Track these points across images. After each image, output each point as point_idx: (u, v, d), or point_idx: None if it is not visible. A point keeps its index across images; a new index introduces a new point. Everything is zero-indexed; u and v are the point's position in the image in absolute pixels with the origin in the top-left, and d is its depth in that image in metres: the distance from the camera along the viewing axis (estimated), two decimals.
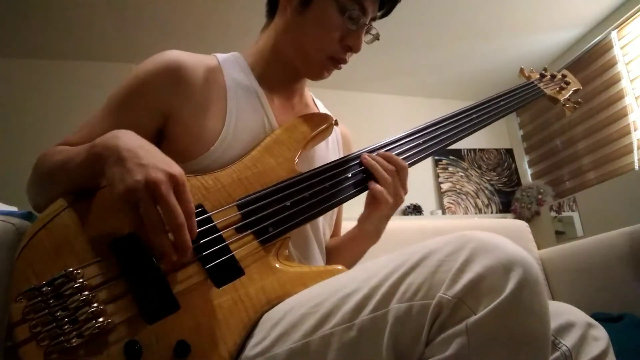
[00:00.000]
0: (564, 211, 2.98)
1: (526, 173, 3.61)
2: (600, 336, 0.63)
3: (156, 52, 0.77)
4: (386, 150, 0.82)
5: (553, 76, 1.14)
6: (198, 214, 0.61)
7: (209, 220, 0.65)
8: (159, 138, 0.76)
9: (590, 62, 3.00)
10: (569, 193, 3.03)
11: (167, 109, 0.74)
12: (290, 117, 0.83)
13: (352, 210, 1.07)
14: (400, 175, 0.78)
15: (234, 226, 0.66)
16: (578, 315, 0.65)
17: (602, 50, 2.92)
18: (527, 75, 1.15)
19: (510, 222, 1.95)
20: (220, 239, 0.64)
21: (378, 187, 0.77)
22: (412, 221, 2.69)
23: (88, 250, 0.58)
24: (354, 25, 0.78)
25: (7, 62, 2.73)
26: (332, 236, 0.96)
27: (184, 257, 0.57)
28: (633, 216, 2.21)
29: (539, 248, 1.81)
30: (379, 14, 0.82)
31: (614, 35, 2.84)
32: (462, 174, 3.53)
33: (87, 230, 0.60)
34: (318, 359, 0.50)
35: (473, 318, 0.42)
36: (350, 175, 0.78)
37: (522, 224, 1.85)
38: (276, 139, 0.78)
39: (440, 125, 0.90)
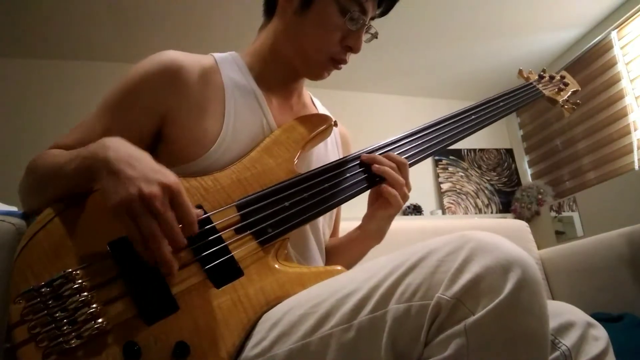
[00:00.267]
0: (564, 211, 2.98)
1: (526, 173, 3.60)
2: (600, 336, 0.63)
3: (156, 52, 0.76)
4: (386, 151, 0.82)
5: (552, 77, 1.14)
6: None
7: (208, 221, 0.65)
8: (156, 140, 0.75)
9: (590, 62, 3.00)
10: (569, 193, 3.03)
11: (164, 110, 0.73)
12: (289, 117, 0.83)
13: (352, 211, 1.07)
14: (403, 173, 0.79)
15: (233, 227, 0.66)
16: (578, 315, 0.65)
17: (602, 50, 2.92)
18: (525, 76, 1.15)
19: (510, 222, 1.95)
20: (220, 240, 0.63)
21: (392, 190, 0.77)
22: (412, 221, 2.69)
23: (87, 251, 0.58)
24: (355, 25, 0.77)
25: (7, 62, 2.73)
26: (330, 237, 0.96)
27: (172, 266, 0.56)
28: (633, 216, 2.21)
29: (539, 248, 1.81)
30: (377, 12, 0.82)
31: (614, 35, 2.84)
32: (462, 174, 3.53)
33: (85, 231, 0.60)
34: (317, 359, 0.50)
35: (472, 318, 0.42)
36: (349, 176, 0.77)
37: (522, 224, 1.85)
38: (275, 140, 0.78)
39: (440, 126, 0.90)
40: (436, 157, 3.48)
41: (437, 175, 3.46)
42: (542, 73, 1.14)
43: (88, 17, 2.52)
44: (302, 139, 0.79)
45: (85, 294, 0.55)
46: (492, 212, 3.46)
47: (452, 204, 3.40)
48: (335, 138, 0.94)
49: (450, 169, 3.51)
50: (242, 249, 0.64)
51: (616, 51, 2.82)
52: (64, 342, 0.52)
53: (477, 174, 3.56)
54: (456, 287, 0.44)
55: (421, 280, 0.46)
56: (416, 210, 3.19)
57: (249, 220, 0.67)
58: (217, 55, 0.83)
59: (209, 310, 0.58)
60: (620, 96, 2.78)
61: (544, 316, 0.44)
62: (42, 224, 0.60)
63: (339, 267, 0.68)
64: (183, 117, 0.73)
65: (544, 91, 1.09)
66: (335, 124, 0.86)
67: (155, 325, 0.55)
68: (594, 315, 0.84)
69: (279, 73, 0.84)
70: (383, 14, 0.83)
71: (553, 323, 0.62)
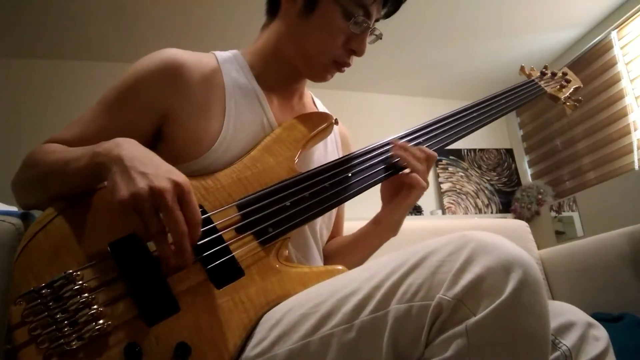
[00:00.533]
0: (564, 211, 2.98)
1: (526, 173, 3.61)
2: (600, 336, 0.63)
3: (153, 52, 0.76)
4: (386, 150, 0.82)
5: (554, 74, 1.14)
6: None
7: (208, 221, 0.64)
8: (156, 138, 0.75)
9: (590, 62, 3.00)
10: (569, 193, 3.03)
11: (164, 109, 0.73)
12: (290, 117, 0.83)
13: (356, 211, 1.07)
14: (428, 163, 0.80)
15: (234, 227, 0.66)
16: (578, 315, 0.65)
17: (602, 50, 2.92)
18: (527, 73, 1.14)
19: (510, 222, 1.95)
20: (221, 240, 0.63)
21: (414, 175, 0.78)
22: (412, 221, 2.67)
23: (87, 252, 0.58)
24: (359, 29, 0.77)
25: (7, 62, 2.73)
26: (333, 236, 0.95)
27: (183, 263, 0.57)
28: (633, 216, 2.21)
29: (539, 248, 1.81)
30: (382, 13, 0.81)
31: (614, 35, 2.84)
32: (462, 174, 3.53)
33: (86, 232, 0.60)
34: (318, 359, 0.50)
35: (473, 319, 0.42)
36: (350, 175, 0.77)
37: (522, 224, 1.85)
38: (276, 139, 0.78)
39: (441, 124, 0.89)
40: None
41: (437, 175, 3.46)
42: (544, 70, 1.14)
43: (88, 17, 2.52)
44: (303, 137, 0.79)
45: (86, 295, 0.54)
46: (492, 212, 3.46)
47: (452, 204, 3.40)
48: (335, 137, 0.94)
49: (450, 169, 3.51)
50: (243, 249, 0.64)
51: (616, 51, 2.82)
52: (64, 343, 0.52)
53: (477, 174, 3.56)
54: (457, 287, 0.44)
55: (422, 281, 0.46)
56: (416, 210, 3.19)
57: (250, 220, 0.67)
58: (218, 53, 0.83)
59: (210, 310, 0.58)
60: (620, 96, 2.78)
61: (545, 316, 0.44)
62: (42, 224, 0.59)
63: (339, 267, 0.68)
64: (183, 116, 0.73)
65: (545, 88, 1.08)
66: (336, 122, 0.86)
67: (157, 326, 0.55)
68: (594, 315, 0.84)
69: (280, 73, 0.84)
70: (388, 15, 0.82)
71: (553, 323, 0.62)
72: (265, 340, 0.55)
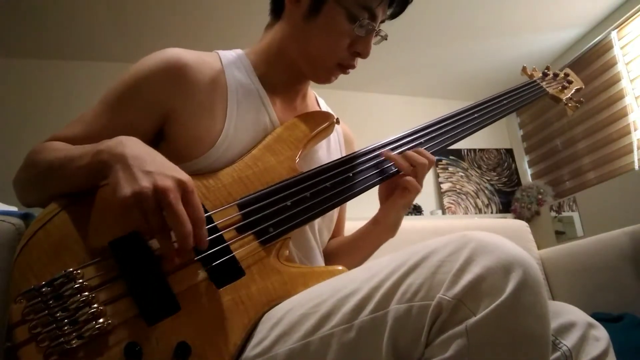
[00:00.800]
0: (564, 211, 2.98)
1: (526, 173, 3.61)
2: (600, 336, 0.63)
3: (156, 51, 0.76)
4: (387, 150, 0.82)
5: (555, 75, 1.13)
6: None
7: (209, 220, 0.64)
8: (158, 138, 0.75)
9: (590, 62, 3.00)
10: (569, 193, 3.03)
11: (167, 109, 0.73)
12: (292, 117, 0.83)
13: (356, 211, 1.07)
14: (427, 166, 0.80)
15: (235, 226, 0.66)
16: (579, 315, 0.65)
17: (602, 50, 2.92)
18: (529, 73, 1.13)
19: (510, 222, 1.95)
20: (221, 239, 0.63)
21: (409, 177, 0.79)
22: (412, 221, 2.68)
23: (87, 251, 0.58)
24: (364, 32, 0.76)
25: (7, 62, 2.73)
26: (334, 235, 0.95)
27: (185, 259, 0.57)
28: (633, 216, 2.21)
29: (539, 248, 1.81)
30: (388, 14, 0.80)
31: (614, 35, 2.84)
32: (462, 174, 3.53)
33: (86, 230, 0.60)
34: (318, 359, 0.50)
35: (473, 319, 0.42)
36: (351, 175, 0.77)
37: (522, 224, 1.85)
38: (277, 137, 0.77)
39: (442, 124, 0.89)
40: (436, 157, 3.47)
41: (437, 175, 3.46)
42: (546, 70, 1.13)
43: (88, 17, 2.52)
44: (304, 136, 0.78)
45: (86, 293, 0.54)
46: (492, 212, 3.46)
47: (452, 204, 3.40)
48: (338, 137, 0.94)
49: (450, 169, 3.51)
50: (244, 249, 0.64)
51: (616, 51, 2.82)
52: (65, 342, 0.52)
53: (477, 174, 3.56)
54: (457, 287, 0.44)
55: (422, 281, 0.46)
56: (416, 210, 3.19)
57: (250, 220, 0.67)
58: (222, 53, 0.83)
59: (210, 310, 0.58)
60: (620, 96, 2.78)
61: (545, 317, 0.44)
62: (42, 222, 0.59)
63: (340, 267, 0.68)
64: (185, 116, 0.73)
65: (547, 89, 1.08)
66: (338, 121, 0.85)
67: (157, 325, 0.55)
68: (594, 315, 0.84)
69: (284, 74, 0.83)
70: (393, 16, 0.82)
71: (554, 323, 0.62)
72: (265, 340, 0.55)
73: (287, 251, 0.69)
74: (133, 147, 0.59)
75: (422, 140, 0.85)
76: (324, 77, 0.82)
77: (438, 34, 2.92)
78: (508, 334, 0.42)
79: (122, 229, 0.59)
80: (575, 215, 2.88)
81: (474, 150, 3.62)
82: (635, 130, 2.69)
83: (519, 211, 3.30)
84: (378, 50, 0.81)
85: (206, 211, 0.65)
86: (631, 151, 2.70)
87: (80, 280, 0.55)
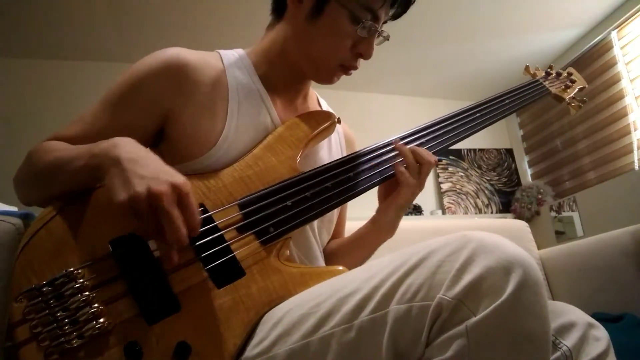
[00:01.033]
0: (564, 211, 2.98)
1: (526, 173, 3.60)
2: (600, 336, 0.63)
3: (157, 51, 0.76)
4: (388, 150, 0.82)
5: (559, 74, 1.12)
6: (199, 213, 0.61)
7: (210, 220, 0.64)
8: (158, 138, 0.75)
9: (590, 62, 3.00)
10: (569, 193, 3.03)
11: (167, 109, 0.73)
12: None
13: (355, 211, 1.07)
14: (428, 167, 0.80)
15: (235, 226, 0.66)
16: (579, 315, 0.65)
17: (602, 50, 2.92)
18: (532, 72, 1.12)
19: (510, 222, 1.95)
20: (222, 239, 0.63)
21: (401, 167, 0.78)
22: (412, 221, 2.69)
23: (88, 250, 0.58)
24: (366, 33, 0.76)
25: (7, 62, 2.73)
26: (334, 236, 0.95)
27: (181, 259, 0.57)
28: (633, 216, 2.21)
29: (539, 248, 1.81)
30: (390, 14, 0.80)
31: (614, 35, 2.84)
32: (462, 174, 3.53)
33: (87, 230, 0.60)
34: (318, 359, 0.50)
35: (473, 319, 0.42)
36: (352, 175, 0.77)
37: (522, 224, 1.85)
38: (278, 137, 0.77)
39: (444, 124, 0.89)
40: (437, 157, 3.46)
41: (437, 175, 3.46)
42: (549, 70, 1.12)
43: (88, 17, 2.52)
44: (305, 136, 0.78)
45: (87, 293, 0.55)
46: (492, 212, 3.46)
47: (452, 204, 3.40)
48: (339, 137, 0.94)
49: (450, 169, 3.51)
50: (244, 249, 0.64)
51: (616, 51, 2.82)
52: (65, 341, 0.52)
53: (477, 174, 3.56)
54: (457, 287, 0.44)
55: (422, 281, 0.46)
56: (416, 210, 3.19)
57: (251, 220, 0.67)
58: (223, 52, 0.82)
59: (210, 310, 0.58)
60: (620, 96, 2.78)
61: (545, 317, 0.44)
62: (43, 221, 0.60)
63: (340, 267, 0.68)
64: (186, 116, 0.73)
65: (550, 88, 1.07)
66: (339, 121, 0.85)
67: (157, 325, 0.55)
68: (594, 315, 0.84)
69: (285, 74, 0.83)
70: (396, 17, 0.82)
71: (554, 323, 0.62)
72: (265, 340, 0.55)
73: (288, 251, 0.69)
74: (128, 149, 0.58)
75: (423, 140, 0.85)
76: (326, 77, 0.82)
77: (438, 34, 2.92)
78: (508, 334, 0.42)
79: (123, 228, 0.59)
80: (575, 215, 2.88)
81: (474, 150, 3.62)
82: (635, 130, 2.69)
83: (519, 211, 3.30)
84: (378, 51, 0.81)
85: (207, 211, 0.65)
86: (631, 151, 2.70)
87: (81, 280, 0.55)
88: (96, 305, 0.54)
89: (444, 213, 3.31)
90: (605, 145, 2.87)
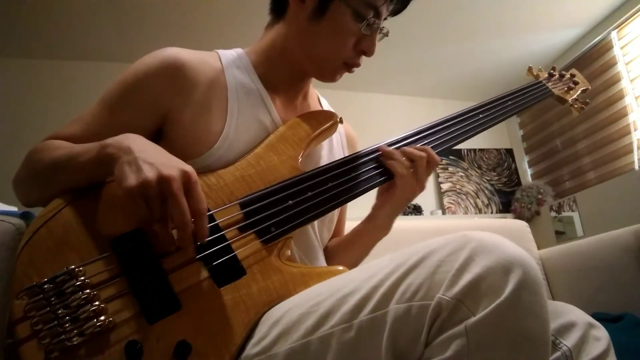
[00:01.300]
0: (564, 211, 2.98)
1: (526, 173, 3.60)
2: (601, 336, 0.63)
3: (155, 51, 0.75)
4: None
5: (561, 75, 1.12)
6: None
7: (211, 219, 0.64)
8: (157, 137, 0.75)
9: (590, 62, 3.00)
10: (569, 193, 3.03)
11: (165, 108, 0.73)
12: (294, 117, 0.82)
13: (356, 211, 1.07)
14: (429, 166, 0.80)
15: (237, 225, 0.66)
16: (579, 315, 0.65)
17: (602, 50, 2.92)
18: (535, 74, 1.12)
19: (510, 222, 1.95)
20: (223, 239, 0.63)
21: (392, 162, 0.78)
22: (412, 221, 2.69)
23: (90, 248, 0.58)
24: (370, 30, 0.77)
25: (7, 62, 2.73)
26: (334, 235, 0.95)
27: (185, 253, 0.57)
28: (633, 216, 2.21)
29: (539, 248, 1.82)
30: (390, 9, 0.80)
31: (614, 35, 2.84)
32: (462, 174, 3.53)
33: (88, 227, 0.60)
34: (317, 358, 0.50)
35: (472, 319, 0.42)
36: (353, 175, 0.77)
37: (522, 224, 1.85)
38: (280, 137, 0.77)
39: (447, 124, 0.89)
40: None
41: (437, 175, 3.46)
42: (551, 71, 1.12)
43: (88, 17, 2.52)
44: (306, 135, 0.78)
45: (88, 291, 0.55)
46: (492, 212, 3.46)
47: (452, 204, 3.40)
48: (340, 137, 0.94)
49: (450, 169, 3.51)
50: (245, 248, 0.64)
51: (616, 51, 2.82)
52: (66, 339, 0.52)
53: (477, 174, 3.56)
54: (457, 287, 0.44)
55: (422, 281, 0.46)
56: (416, 210, 3.19)
57: (252, 219, 0.67)
58: (222, 52, 0.82)
59: (211, 309, 0.58)
60: (620, 96, 2.78)
61: (545, 317, 0.44)
62: (45, 219, 0.60)
63: (340, 267, 0.68)
64: (184, 116, 0.73)
65: (553, 90, 1.07)
66: (341, 121, 0.85)
67: (158, 323, 0.55)
68: (594, 315, 0.84)
69: (285, 73, 0.83)
70: (395, 13, 0.82)
71: (554, 323, 0.62)
72: (265, 339, 0.55)
73: (289, 251, 0.69)
74: (139, 142, 0.60)
75: (425, 140, 0.85)
76: (330, 76, 0.82)
77: (438, 34, 2.92)
78: (508, 334, 0.42)
79: (124, 226, 0.59)
80: (575, 215, 2.88)
81: (474, 150, 3.62)
82: (635, 130, 2.69)
83: (519, 211, 3.30)
84: (379, 51, 0.81)
85: (208, 210, 0.65)
86: (631, 151, 2.70)
87: (82, 278, 0.55)
88: (97, 303, 0.54)
89: (444, 213, 3.31)
90: (605, 145, 2.87)
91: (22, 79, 2.75)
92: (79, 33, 2.64)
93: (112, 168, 0.58)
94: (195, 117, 0.73)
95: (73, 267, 0.56)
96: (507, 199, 3.51)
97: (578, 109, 1.10)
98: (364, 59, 0.82)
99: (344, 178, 0.76)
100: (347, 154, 0.91)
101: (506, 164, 3.67)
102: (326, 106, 0.97)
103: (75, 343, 0.52)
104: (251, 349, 0.56)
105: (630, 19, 2.73)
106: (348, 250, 0.89)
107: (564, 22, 2.89)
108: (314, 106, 0.93)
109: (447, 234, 0.50)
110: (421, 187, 0.81)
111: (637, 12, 2.67)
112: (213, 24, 2.65)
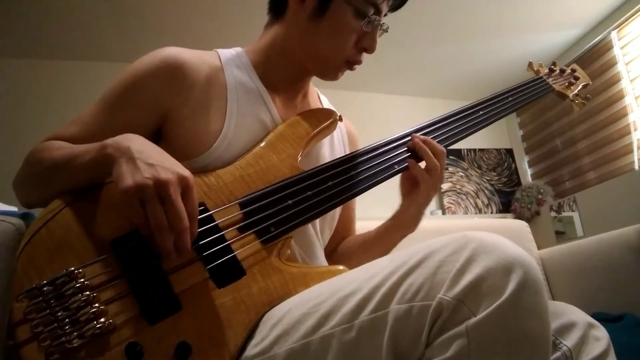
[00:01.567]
0: (564, 211, 2.98)
1: (526, 173, 3.60)
2: (601, 336, 0.63)
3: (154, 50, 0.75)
4: (389, 149, 0.82)
5: (562, 71, 1.11)
6: (200, 212, 0.61)
7: (210, 219, 0.64)
8: (157, 137, 0.75)
9: (590, 62, 3.00)
10: (569, 193, 3.03)
11: (165, 108, 0.73)
12: (294, 115, 0.82)
13: (358, 211, 1.07)
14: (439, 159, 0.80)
15: (236, 226, 0.65)
16: (579, 315, 0.65)
17: (602, 50, 2.92)
18: (535, 69, 1.11)
19: (510, 222, 1.95)
20: (222, 239, 0.63)
21: (418, 166, 0.79)
22: None
23: (89, 249, 0.58)
24: (371, 27, 0.77)
25: (7, 62, 2.73)
26: (345, 235, 0.95)
27: (182, 257, 0.57)
28: (633, 216, 2.21)
29: (539, 248, 1.82)
30: (389, 5, 0.80)
31: (614, 35, 2.84)
32: (462, 174, 3.52)
33: (88, 229, 0.60)
34: (318, 359, 0.50)
35: (473, 320, 0.42)
36: (353, 173, 0.77)
37: (522, 224, 1.85)
38: (279, 135, 0.77)
39: (447, 121, 0.88)
40: None
41: None
42: (552, 67, 1.11)
43: (88, 17, 2.52)
44: (306, 134, 0.78)
45: (88, 293, 0.55)
46: (492, 212, 3.46)
47: (452, 204, 3.40)
48: (341, 135, 0.94)
49: (450, 169, 3.51)
50: (245, 249, 0.64)
51: (616, 51, 2.82)
52: (66, 341, 0.52)
53: (477, 174, 3.56)
54: (458, 288, 0.44)
55: (423, 281, 0.46)
56: None
57: (252, 219, 0.67)
58: (221, 51, 0.82)
59: (211, 310, 0.58)
60: (620, 96, 2.78)
61: (546, 317, 0.44)
62: (44, 220, 0.60)
63: (341, 267, 0.68)
64: (185, 116, 0.73)
65: (553, 85, 1.06)
66: (340, 119, 0.85)
67: (158, 325, 0.55)
68: (594, 315, 0.84)
69: (285, 72, 0.83)
70: (394, 9, 0.82)
71: (554, 323, 0.62)
72: (265, 340, 0.55)
73: (289, 251, 0.69)
74: (138, 142, 0.60)
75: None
76: (332, 74, 0.82)
77: (438, 34, 2.92)
78: (508, 335, 0.42)
79: (124, 227, 0.59)
80: (575, 215, 2.88)
81: (474, 150, 3.62)
82: (635, 130, 2.69)
83: (519, 211, 3.30)
84: (379, 51, 0.81)
85: (207, 210, 0.65)
86: (631, 151, 2.70)
87: (82, 280, 0.55)
88: (97, 305, 0.54)
89: (444, 213, 3.31)
90: (605, 145, 2.87)
91: (22, 79, 2.75)
92: (79, 33, 2.64)
93: (111, 168, 0.58)
94: (194, 117, 0.73)
95: (73, 268, 0.56)
96: (507, 199, 3.51)
97: (579, 104, 1.08)
98: (365, 59, 0.82)
99: (344, 177, 0.76)
100: (348, 151, 0.91)
101: (506, 164, 3.67)
102: (326, 104, 0.97)
103: (75, 345, 0.52)
104: (251, 349, 0.56)
105: (630, 19, 2.73)
106: (372, 249, 0.88)
107: (564, 22, 2.89)
108: (315, 104, 0.92)
109: (447, 234, 0.50)
110: (442, 180, 0.81)
111: (637, 12, 2.67)
112: (213, 24, 2.65)
